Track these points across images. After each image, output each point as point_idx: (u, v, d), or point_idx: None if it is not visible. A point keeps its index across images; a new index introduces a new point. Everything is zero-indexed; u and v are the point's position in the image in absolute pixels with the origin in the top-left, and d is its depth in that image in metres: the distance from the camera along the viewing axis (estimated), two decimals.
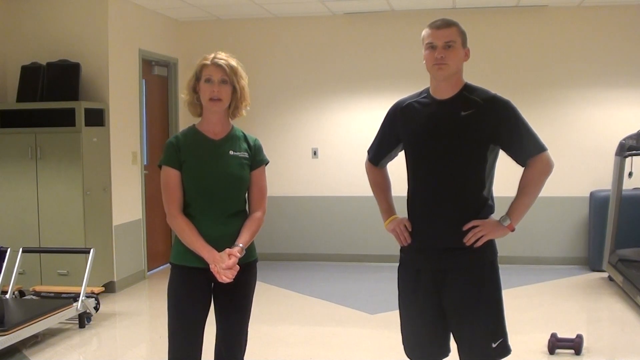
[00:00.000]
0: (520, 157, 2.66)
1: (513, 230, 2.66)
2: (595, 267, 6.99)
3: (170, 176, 2.80)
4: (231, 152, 2.84)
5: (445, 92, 2.67)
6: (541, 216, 7.26)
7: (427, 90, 2.75)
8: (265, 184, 2.96)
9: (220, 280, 2.72)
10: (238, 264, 2.76)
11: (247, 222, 2.87)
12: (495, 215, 2.70)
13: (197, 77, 2.80)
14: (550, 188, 7.81)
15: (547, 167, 2.66)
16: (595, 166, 7.19)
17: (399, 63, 7.51)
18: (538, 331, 4.91)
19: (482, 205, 2.65)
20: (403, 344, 2.81)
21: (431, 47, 2.61)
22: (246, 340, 2.92)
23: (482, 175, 2.64)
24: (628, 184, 6.60)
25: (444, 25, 2.62)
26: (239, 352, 2.90)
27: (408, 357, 2.82)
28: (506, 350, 2.65)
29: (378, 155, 2.91)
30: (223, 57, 2.80)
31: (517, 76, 7.38)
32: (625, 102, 7.21)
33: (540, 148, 2.65)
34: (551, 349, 4.46)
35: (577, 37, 7.28)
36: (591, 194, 7.18)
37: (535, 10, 7.28)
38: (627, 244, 6.59)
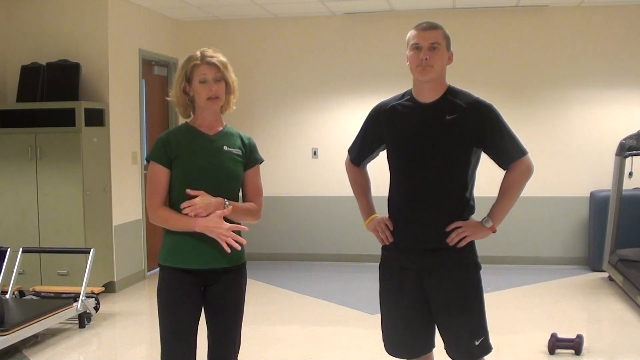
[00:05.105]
0: (502, 160, 2.73)
1: (495, 231, 2.73)
2: (595, 267, 6.99)
3: (156, 172, 2.75)
4: (225, 148, 2.79)
5: (428, 95, 2.71)
6: (541, 216, 7.26)
7: (409, 93, 2.78)
8: (260, 183, 2.93)
9: (231, 245, 2.65)
10: (229, 267, 2.77)
11: (246, 203, 2.86)
12: (476, 216, 2.76)
13: (188, 79, 2.75)
14: (550, 188, 7.91)
15: (528, 171, 2.73)
16: (595, 166, 7.19)
17: (399, 63, 7.48)
18: (538, 331, 4.91)
19: (465, 206, 2.72)
20: (384, 341, 2.85)
21: (416, 47, 2.65)
22: (240, 343, 2.88)
23: (465, 176, 2.70)
24: (628, 184, 6.60)
25: (429, 27, 2.67)
26: (233, 355, 2.86)
27: (390, 354, 2.86)
28: (488, 348, 2.73)
29: (360, 155, 2.95)
30: (212, 55, 2.75)
31: (517, 76, 7.38)
32: (625, 102, 7.21)
33: (521, 152, 2.73)
34: (551, 349, 4.45)
35: (577, 37, 7.28)
36: (591, 194, 7.18)
37: (535, 10, 7.28)
38: (627, 244, 6.59)
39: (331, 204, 7.77)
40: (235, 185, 2.82)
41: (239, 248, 2.72)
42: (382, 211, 2.88)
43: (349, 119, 7.65)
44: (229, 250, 2.67)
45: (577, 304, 6.00)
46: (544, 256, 7.41)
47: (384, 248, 2.84)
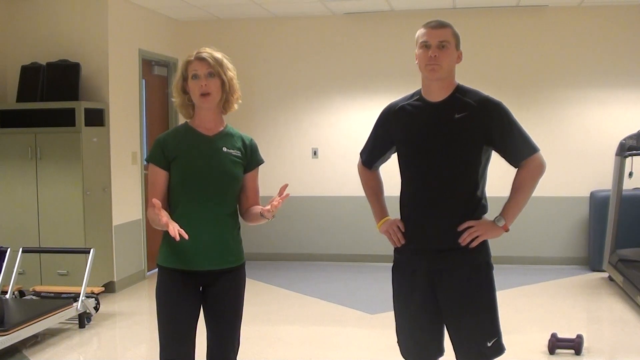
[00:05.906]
0: (513, 158, 2.69)
1: (507, 230, 2.69)
2: (595, 267, 6.99)
3: (154, 174, 2.74)
4: (224, 149, 2.76)
5: (437, 94, 2.68)
6: (541, 216, 7.26)
7: (418, 92, 2.76)
8: (258, 185, 2.91)
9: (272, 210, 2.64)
10: (228, 267, 2.76)
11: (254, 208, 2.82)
12: (489, 215, 2.72)
13: (184, 77, 2.73)
14: (550, 188, 7.90)
15: (540, 168, 2.68)
16: (595, 166, 7.19)
17: (399, 63, 7.50)
18: (538, 331, 4.91)
19: (476, 206, 2.68)
20: (399, 344, 2.83)
21: (425, 45, 2.62)
22: (239, 343, 2.87)
23: (476, 175, 2.67)
24: (628, 184, 6.60)
25: (439, 25, 2.65)
26: (232, 355, 2.85)
27: (405, 358, 2.83)
28: (501, 349, 2.69)
29: (372, 158, 2.92)
30: (206, 51, 2.72)
31: (517, 76, 7.38)
32: (625, 102, 7.21)
33: (532, 149, 2.67)
34: (551, 349, 4.45)
35: (577, 37, 7.28)
36: (591, 194, 7.18)
37: (535, 10, 7.28)
38: (627, 244, 6.59)
39: (331, 204, 7.77)
40: (234, 186, 2.79)
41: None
42: (392, 212, 2.84)
43: (349, 119, 7.66)
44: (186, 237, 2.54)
45: (577, 304, 6.00)
46: (544, 256, 7.41)
47: (396, 250, 2.80)
